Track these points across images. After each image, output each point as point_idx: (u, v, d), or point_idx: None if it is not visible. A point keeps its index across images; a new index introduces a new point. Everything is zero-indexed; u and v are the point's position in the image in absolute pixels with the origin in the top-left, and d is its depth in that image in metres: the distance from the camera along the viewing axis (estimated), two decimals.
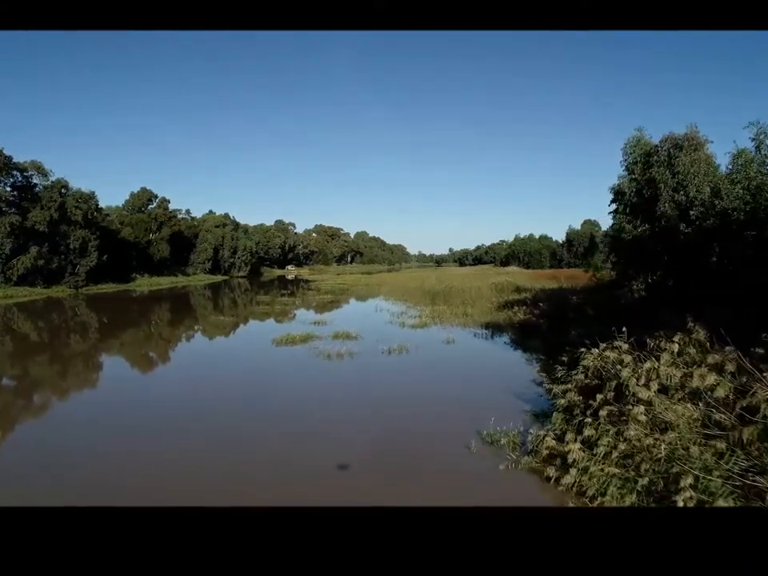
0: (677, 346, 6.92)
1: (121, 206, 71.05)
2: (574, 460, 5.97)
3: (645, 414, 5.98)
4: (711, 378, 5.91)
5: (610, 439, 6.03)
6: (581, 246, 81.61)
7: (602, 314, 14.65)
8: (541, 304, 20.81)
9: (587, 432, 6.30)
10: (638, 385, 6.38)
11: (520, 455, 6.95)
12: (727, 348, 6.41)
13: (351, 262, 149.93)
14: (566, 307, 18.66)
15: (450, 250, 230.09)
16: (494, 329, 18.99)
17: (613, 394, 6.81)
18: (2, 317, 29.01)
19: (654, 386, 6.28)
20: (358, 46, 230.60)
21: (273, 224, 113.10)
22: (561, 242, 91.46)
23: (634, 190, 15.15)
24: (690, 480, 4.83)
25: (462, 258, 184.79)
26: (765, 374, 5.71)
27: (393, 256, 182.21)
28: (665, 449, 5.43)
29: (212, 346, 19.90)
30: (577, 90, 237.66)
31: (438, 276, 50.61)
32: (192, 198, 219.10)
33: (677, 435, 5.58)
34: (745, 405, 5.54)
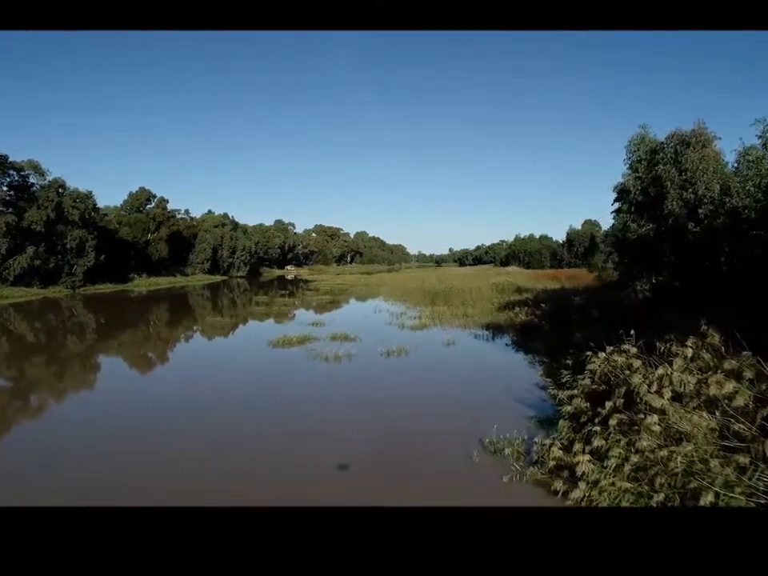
0: (690, 350, 6.53)
1: (119, 205, 70.71)
2: (583, 472, 5.60)
3: (658, 424, 5.61)
4: (729, 386, 5.54)
5: (621, 450, 5.66)
6: (581, 246, 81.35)
7: (606, 315, 14.32)
8: (542, 305, 20.48)
9: (596, 442, 5.92)
10: (649, 392, 6.00)
11: (524, 465, 6.59)
12: (744, 353, 6.06)
13: (351, 262, 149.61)
14: (568, 308, 18.37)
15: (450, 250, 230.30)
16: (495, 330, 18.69)
17: (622, 401, 6.43)
18: None
19: (668, 393, 5.90)
20: (357, 46, 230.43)
21: (272, 224, 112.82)
22: (561, 242, 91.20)
23: (639, 188, 14.84)
24: (710, 497, 4.48)
25: (461, 258, 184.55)
26: None
27: (393, 256, 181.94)
28: (681, 462, 5.07)
29: (210, 347, 19.64)
30: (577, 89, 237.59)
31: (437, 276, 50.38)
32: (191, 197, 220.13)
33: (693, 447, 5.22)
34: (766, 414, 5.18)
